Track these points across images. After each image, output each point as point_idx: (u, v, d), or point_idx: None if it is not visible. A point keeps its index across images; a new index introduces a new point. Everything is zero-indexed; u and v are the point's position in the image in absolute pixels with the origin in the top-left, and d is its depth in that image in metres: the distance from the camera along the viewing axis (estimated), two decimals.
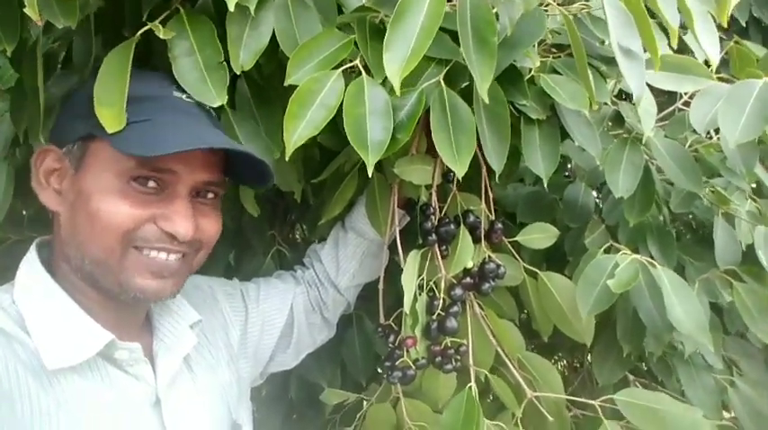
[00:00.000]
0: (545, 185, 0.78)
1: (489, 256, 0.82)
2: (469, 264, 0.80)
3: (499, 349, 0.83)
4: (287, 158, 0.60)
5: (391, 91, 0.65)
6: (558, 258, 1.14)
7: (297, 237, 1.15)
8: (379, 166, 0.89)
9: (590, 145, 0.83)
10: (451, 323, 0.75)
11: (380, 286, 0.86)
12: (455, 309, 0.77)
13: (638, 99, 0.72)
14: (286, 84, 0.64)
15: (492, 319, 0.83)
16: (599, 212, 1.16)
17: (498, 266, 0.81)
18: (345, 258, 0.92)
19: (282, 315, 0.89)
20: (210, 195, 0.67)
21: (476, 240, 0.83)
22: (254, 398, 1.00)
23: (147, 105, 0.62)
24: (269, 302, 0.88)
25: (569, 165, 1.35)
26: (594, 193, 1.24)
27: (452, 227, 0.80)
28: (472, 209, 0.84)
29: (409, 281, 0.75)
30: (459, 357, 0.77)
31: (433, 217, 0.81)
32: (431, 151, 0.84)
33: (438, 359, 0.78)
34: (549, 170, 0.80)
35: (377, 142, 0.60)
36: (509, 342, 0.81)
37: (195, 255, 0.67)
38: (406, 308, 0.73)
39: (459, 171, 0.62)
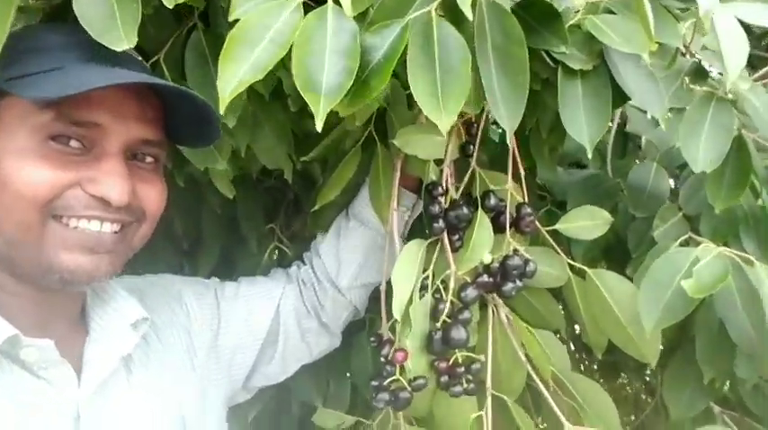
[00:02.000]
0: (588, 153, 0.58)
1: (515, 250, 0.63)
2: (487, 259, 0.62)
3: (530, 368, 0.64)
4: (222, 112, 0.46)
5: (368, 25, 0.50)
6: (621, 257, 0.93)
7: (304, 231, 1.00)
8: (385, 140, 0.74)
9: (651, 101, 0.62)
10: (459, 333, 0.58)
11: (382, 286, 0.70)
12: (465, 315, 0.60)
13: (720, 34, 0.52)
14: (230, 19, 0.49)
15: (520, 330, 0.64)
16: (675, 199, 0.94)
17: (527, 262, 0.63)
18: (347, 251, 0.77)
19: (266, 318, 0.75)
20: (150, 159, 0.57)
21: (499, 229, 0.65)
22: (247, 413, 0.87)
23: (59, 55, 0.52)
24: (250, 303, 0.75)
25: (639, 144, 1.12)
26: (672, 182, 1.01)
27: (465, 211, 0.62)
28: (494, 189, 0.66)
29: (403, 276, 0.58)
30: (471, 377, 0.60)
31: (441, 199, 0.64)
32: None
33: (444, 379, 0.60)
34: (595, 135, 0.60)
35: (333, 86, 0.44)
36: (541, 358, 0.62)
37: (137, 229, 0.57)
38: (397, 311, 0.57)
39: (444, 123, 0.45)
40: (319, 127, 0.43)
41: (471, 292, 0.60)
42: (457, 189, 0.66)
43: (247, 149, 0.79)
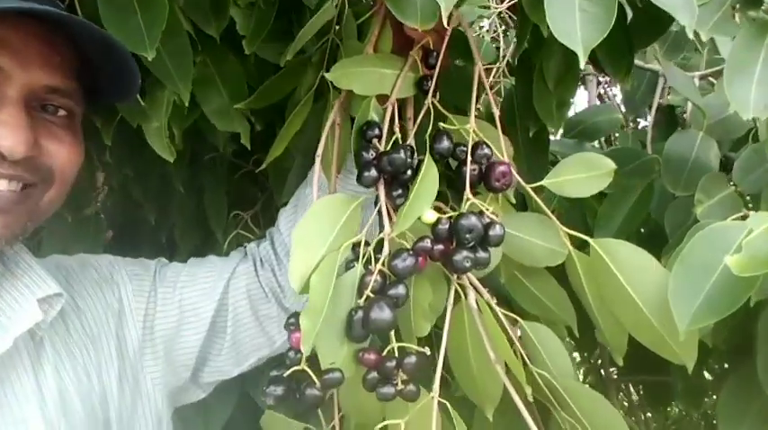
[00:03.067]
0: (581, 62, 0.41)
1: (481, 211, 0.46)
2: (428, 217, 0.45)
3: (502, 373, 0.46)
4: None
5: None
6: (659, 248, 0.73)
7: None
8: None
9: (679, 6, 0.45)
10: (381, 313, 0.41)
11: None
12: (395, 290, 0.43)
13: None
14: None
15: (486, 319, 0.47)
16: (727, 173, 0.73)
17: (489, 225, 0.46)
18: None
19: (210, 302, 0.64)
20: (62, 113, 0.53)
21: (460, 185, 0.49)
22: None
23: None
24: (193, 285, 0.65)
25: (683, 113, 0.92)
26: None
27: (402, 155, 0.47)
28: (446, 128, 0.50)
29: (307, 238, 0.43)
30: (405, 375, 0.43)
31: (376, 141, 0.49)
32: (402, 51, 0.54)
33: (371, 376, 0.44)
34: (590, 40, 0.43)
35: None
36: (510, 359, 0.44)
37: (44, 191, 0.52)
38: (294, 281, 0.42)
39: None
40: None
41: (404, 261, 0.43)
42: (406, 132, 0.51)
43: (196, 109, 0.68)
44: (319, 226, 0.44)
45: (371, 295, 0.43)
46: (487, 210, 0.47)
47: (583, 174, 0.50)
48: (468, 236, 0.44)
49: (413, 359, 0.43)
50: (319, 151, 0.50)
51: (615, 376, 1.17)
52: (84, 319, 0.59)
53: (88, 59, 0.52)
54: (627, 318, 0.48)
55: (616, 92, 1.66)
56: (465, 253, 0.45)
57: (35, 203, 0.51)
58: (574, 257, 0.52)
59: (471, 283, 0.50)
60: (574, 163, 0.50)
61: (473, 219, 0.45)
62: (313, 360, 0.44)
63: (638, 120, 1.32)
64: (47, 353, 0.54)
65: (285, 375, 0.43)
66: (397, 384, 0.44)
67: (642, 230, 0.84)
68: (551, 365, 0.52)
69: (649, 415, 1.20)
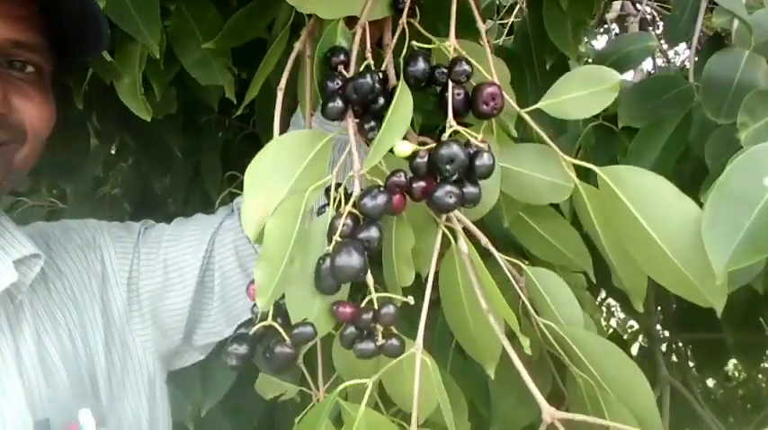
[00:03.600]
0: None
1: (467, 141, 0.40)
2: (401, 149, 0.40)
3: (495, 325, 0.40)
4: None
5: None
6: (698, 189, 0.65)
7: None
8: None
9: None
10: (349, 259, 0.36)
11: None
12: (366, 233, 0.38)
13: None
14: None
15: (475, 263, 0.41)
16: None
17: (476, 154, 0.39)
18: None
19: (195, 259, 0.62)
20: (30, 69, 0.51)
21: (442, 112, 0.43)
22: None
23: None
24: (177, 244, 0.63)
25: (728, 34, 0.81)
26: None
27: (369, 80, 0.41)
28: (421, 47, 0.43)
29: (262, 178, 0.38)
30: (383, 326, 0.38)
31: (343, 68, 0.43)
32: None
33: (348, 331, 0.39)
34: None
35: None
36: (499, 306, 0.38)
37: (16, 149, 0.51)
38: (248, 227, 0.37)
39: None
40: None
41: (374, 199, 0.38)
42: (381, 59, 0.45)
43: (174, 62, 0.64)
44: (280, 164, 0.39)
45: (339, 240, 0.38)
46: (475, 139, 0.41)
47: (583, 91, 0.42)
48: (448, 167, 0.38)
49: (391, 309, 0.38)
50: (281, 84, 0.45)
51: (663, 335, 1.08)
52: (67, 283, 0.58)
53: (54, 13, 0.50)
54: (643, 257, 0.41)
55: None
56: (448, 187, 0.39)
57: (8, 161, 0.50)
58: (580, 190, 0.45)
59: (462, 223, 0.44)
60: (572, 79, 0.43)
61: (454, 148, 0.39)
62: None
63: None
64: (26, 316, 0.53)
65: (251, 332, 0.39)
66: (377, 339, 0.39)
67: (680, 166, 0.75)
68: (559, 314, 0.46)
69: (696, 376, 1.10)
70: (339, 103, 0.42)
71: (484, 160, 0.39)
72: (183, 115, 0.75)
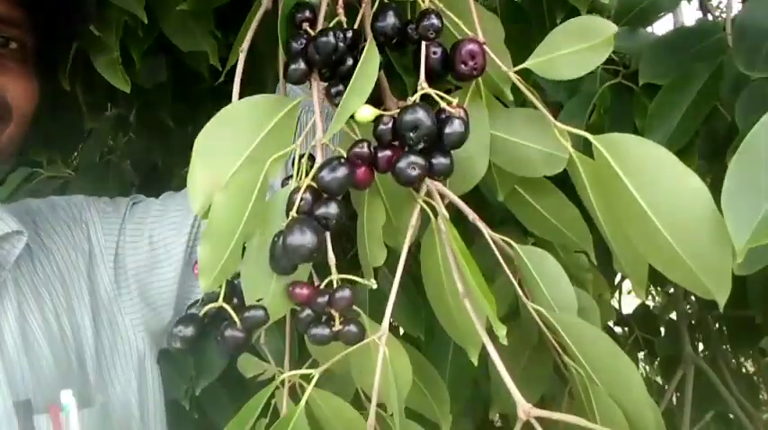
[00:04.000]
0: None
1: (441, 109, 0.36)
2: (364, 114, 0.36)
3: (471, 309, 0.36)
4: None
5: None
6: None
7: None
8: None
9: None
10: (302, 237, 0.33)
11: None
12: (324, 209, 0.34)
13: None
14: None
15: (452, 241, 0.37)
16: None
17: (447, 119, 0.35)
18: None
19: (181, 234, 0.60)
20: (13, 45, 0.51)
21: (415, 71, 0.38)
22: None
23: None
24: (162, 220, 0.61)
25: None
26: None
27: (332, 38, 0.36)
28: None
29: (213, 147, 0.35)
30: (336, 311, 0.35)
31: (308, 26, 0.39)
32: None
33: (304, 314, 0.36)
34: None
35: None
36: (477, 291, 0.34)
37: (2, 129, 0.51)
38: (195, 201, 0.34)
39: None
40: None
41: (333, 171, 0.34)
42: (352, 14, 0.40)
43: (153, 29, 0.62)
44: (235, 132, 0.36)
45: (294, 216, 0.35)
46: (449, 103, 0.37)
47: (575, 46, 0.37)
48: (412, 134, 0.34)
49: (346, 293, 0.35)
50: (244, 45, 0.41)
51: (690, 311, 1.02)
52: (53, 259, 0.57)
53: None
54: (639, 238, 0.36)
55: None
56: (412, 158, 0.35)
57: None
58: (576, 162, 0.40)
59: (441, 194, 0.40)
60: (563, 33, 0.38)
61: (419, 113, 0.34)
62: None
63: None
64: (9, 293, 0.52)
65: (200, 314, 0.37)
66: (333, 324, 0.36)
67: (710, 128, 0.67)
68: (551, 298, 0.42)
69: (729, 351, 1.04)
70: (302, 64, 0.38)
71: (454, 127, 0.35)
72: (174, 85, 0.72)
